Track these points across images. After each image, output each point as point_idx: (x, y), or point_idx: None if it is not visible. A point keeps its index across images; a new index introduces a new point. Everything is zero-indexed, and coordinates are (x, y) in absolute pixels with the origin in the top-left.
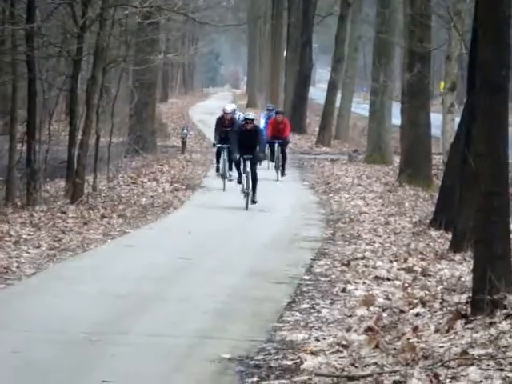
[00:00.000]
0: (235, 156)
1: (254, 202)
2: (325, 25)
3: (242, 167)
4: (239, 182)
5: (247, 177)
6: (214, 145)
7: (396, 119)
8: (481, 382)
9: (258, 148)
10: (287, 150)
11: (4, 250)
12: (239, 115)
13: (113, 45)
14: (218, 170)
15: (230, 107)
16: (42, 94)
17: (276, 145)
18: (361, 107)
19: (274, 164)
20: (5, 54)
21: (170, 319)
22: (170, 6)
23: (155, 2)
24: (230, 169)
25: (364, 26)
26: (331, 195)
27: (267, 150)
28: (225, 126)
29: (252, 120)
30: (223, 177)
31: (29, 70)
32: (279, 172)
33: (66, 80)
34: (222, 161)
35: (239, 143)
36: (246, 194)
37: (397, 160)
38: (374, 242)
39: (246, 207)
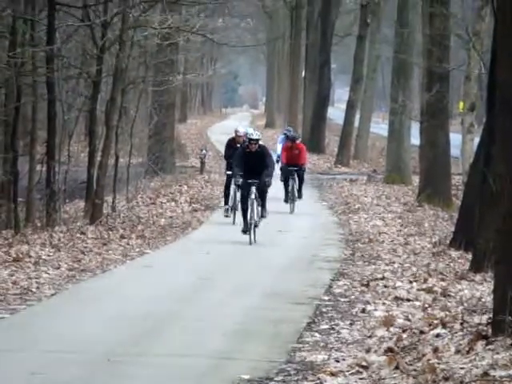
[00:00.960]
0: (237, 180)
1: (263, 216)
2: (343, 45)
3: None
4: (244, 231)
5: (251, 205)
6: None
7: (415, 139)
8: None
9: (266, 172)
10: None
11: (24, 271)
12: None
13: (132, 66)
14: (226, 210)
15: (242, 129)
16: (61, 115)
17: (293, 174)
18: (379, 127)
19: (289, 197)
20: (25, 76)
21: (188, 340)
22: (188, 27)
23: (174, 23)
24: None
25: (383, 46)
26: (350, 215)
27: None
28: (236, 149)
29: (257, 140)
30: (232, 209)
31: (48, 91)
32: (294, 205)
33: (85, 101)
34: (232, 189)
35: (244, 168)
36: (247, 229)
37: (416, 180)
38: (393, 262)
39: (250, 242)
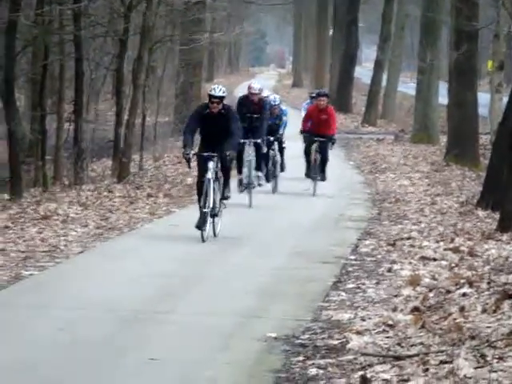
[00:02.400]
0: (187, 153)
1: (224, 197)
2: (371, 3)
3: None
4: (198, 226)
5: (207, 188)
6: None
7: (443, 98)
8: None
9: (229, 142)
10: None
11: (52, 229)
12: (273, 97)
13: (159, 24)
14: (240, 182)
15: (257, 85)
16: (88, 74)
17: (315, 146)
18: (407, 86)
19: (311, 173)
20: (52, 34)
21: (214, 299)
22: None
23: None
24: (259, 169)
25: (411, 5)
26: (377, 175)
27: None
28: (250, 111)
29: (220, 99)
30: (248, 186)
31: (76, 49)
32: (316, 183)
33: (112, 60)
34: (246, 163)
35: (201, 135)
36: (203, 220)
37: (443, 140)
38: (420, 221)
39: (202, 238)
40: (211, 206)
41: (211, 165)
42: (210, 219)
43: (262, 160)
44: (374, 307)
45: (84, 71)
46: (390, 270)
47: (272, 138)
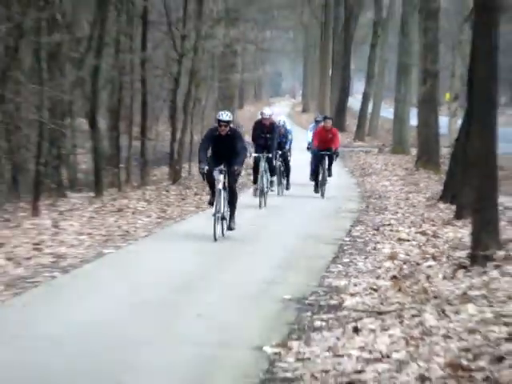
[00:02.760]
0: (202, 168)
1: (230, 228)
2: (360, 51)
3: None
4: (210, 203)
5: (218, 197)
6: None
7: (413, 121)
8: (476, 315)
9: (236, 158)
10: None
11: (125, 219)
12: (281, 121)
13: (203, 67)
14: (255, 190)
15: (269, 111)
16: (151, 104)
17: (324, 159)
18: (387, 111)
19: (319, 181)
20: (125, 75)
21: (246, 270)
22: (245, 39)
23: (234, 35)
24: (272, 175)
25: (389, 52)
26: (365, 178)
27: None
28: (263, 132)
29: (227, 122)
30: (262, 193)
31: (142, 86)
32: (324, 188)
33: (168, 93)
34: (260, 173)
35: (212, 153)
36: (218, 218)
37: (414, 151)
38: (397, 212)
39: (214, 237)
40: (222, 211)
41: (221, 177)
42: (220, 222)
43: (274, 171)
44: (362, 276)
45: (148, 102)
46: (374, 249)
47: (280, 152)
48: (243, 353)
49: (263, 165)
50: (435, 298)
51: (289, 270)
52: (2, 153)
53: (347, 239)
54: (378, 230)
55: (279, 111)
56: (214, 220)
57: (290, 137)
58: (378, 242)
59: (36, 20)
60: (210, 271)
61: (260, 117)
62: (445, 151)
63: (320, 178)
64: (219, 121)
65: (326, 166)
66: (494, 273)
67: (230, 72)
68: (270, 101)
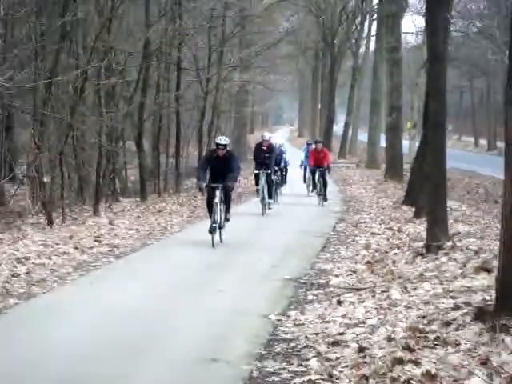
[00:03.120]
0: (201, 184)
1: (226, 219)
2: (342, 90)
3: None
4: (210, 231)
5: (216, 209)
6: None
7: (382, 143)
8: (430, 290)
9: (230, 176)
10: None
11: (163, 218)
12: (277, 143)
13: (223, 102)
14: (258, 191)
15: (268, 134)
16: (183, 131)
17: (317, 173)
18: (363, 136)
19: (316, 191)
20: (163, 109)
21: (254, 257)
22: (254, 81)
23: (246, 78)
24: (270, 197)
25: (364, 91)
26: (346, 186)
27: (308, 176)
28: (263, 151)
29: (224, 146)
30: (262, 202)
31: (176, 117)
32: (322, 198)
33: (196, 123)
34: (260, 186)
35: (210, 171)
36: (213, 230)
37: (383, 166)
38: (370, 213)
39: (213, 244)
40: (218, 221)
41: (218, 193)
42: (218, 230)
43: (272, 185)
44: (344, 261)
45: (180, 129)
46: (353, 240)
47: (276, 168)
48: (254, 319)
49: (263, 179)
50: (399, 277)
51: (289, 256)
52: (72, 168)
53: (333, 233)
54: (356, 226)
55: (281, 135)
56: (213, 228)
57: (284, 156)
58: (356, 236)
59: (97, 68)
60: (230, 258)
61: (261, 139)
62: (406, 166)
63: (317, 189)
64: (218, 144)
65: (319, 178)
66: (444, 259)
67: (243, 106)
68: (274, 128)
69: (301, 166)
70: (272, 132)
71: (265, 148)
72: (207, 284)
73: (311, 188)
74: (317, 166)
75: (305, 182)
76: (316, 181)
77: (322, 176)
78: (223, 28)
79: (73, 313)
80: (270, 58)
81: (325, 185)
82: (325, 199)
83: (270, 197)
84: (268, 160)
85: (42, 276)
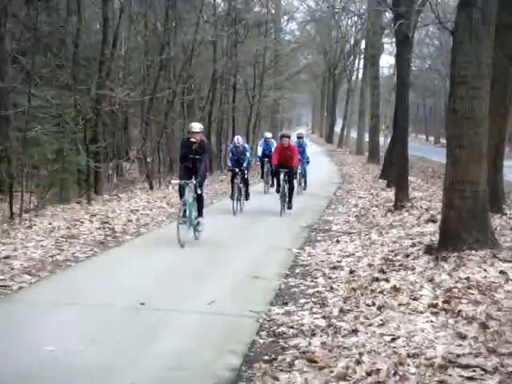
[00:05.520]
0: (175, 178)
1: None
2: (340, 103)
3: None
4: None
5: (185, 203)
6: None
7: (366, 138)
8: (397, 234)
9: (199, 173)
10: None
11: (228, 185)
12: (236, 139)
13: (263, 111)
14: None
15: (269, 134)
16: (236, 130)
17: (282, 175)
18: (354, 134)
19: (280, 195)
20: (224, 115)
21: (272, 209)
22: (283, 97)
23: (279, 95)
24: (273, 184)
25: (355, 104)
26: (341, 167)
27: (270, 181)
28: (234, 153)
29: (198, 134)
30: (266, 182)
31: (232, 121)
32: (285, 205)
33: (245, 124)
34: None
35: (184, 164)
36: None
37: (367, 154)
38: (358, 183)
39: (180, 244)
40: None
41: (187, 191)
42: (187, 227)
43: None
44: (341, 215)
45: (235, 128)
46: (347, 201)
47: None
48: (282, 252)
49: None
50: (376, 225)
51: (304, 212)
52: (165, 152)
53: (333, 196)
54: (348, 192)
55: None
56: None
57: (247, 154)
58: (349, 198)
59: (182, 88)
60: (253, 222)
61: (235, 142)
62: (381, 154)
63: (281, 194)
64: (190, 132)
65: (284, 181)
66: (405, 214)
67: (275, 113)
68: (296, 127)
69: (259, 160)
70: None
71: (239, 150)
72: (221, 264)
73: (270, 184)
74: (281, 166)
75: (262, 177)
76: (281, 184)
77: (289, 179)
78: (263, 62)
79: (168, 243)
80: (293, 82)
81: (291, 189)
82: (289, 206)
83: (246, 197)
84: (241, 160)
85: (146, 221)
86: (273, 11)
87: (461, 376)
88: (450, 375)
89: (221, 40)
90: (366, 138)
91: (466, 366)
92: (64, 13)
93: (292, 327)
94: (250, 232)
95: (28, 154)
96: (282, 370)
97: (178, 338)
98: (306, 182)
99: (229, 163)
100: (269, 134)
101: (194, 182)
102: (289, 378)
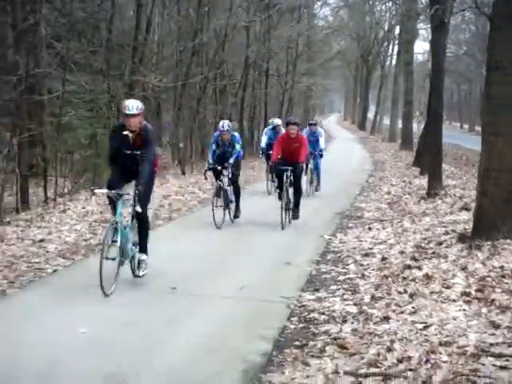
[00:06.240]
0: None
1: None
2: (373, 90)
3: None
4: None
5: (115, 227)
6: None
7: (399, 125)
8: (430, 221)
9: (140, 174)
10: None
11: (255, 171)
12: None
13: (296, 97)
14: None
15: (278, 121)
16: (268, 114)
17: (285, 175)
18: (387, 120)
19: (282, 202)
20: (256, 101)
21: (314, 203)
22: (316, 84)
23: (311, 82)
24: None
25: (388, 91)
26: (373, 153)
27: (272, 184)
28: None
29: (134, 115)
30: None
31: (265, 106)
32: (289, 213)
33: (278, 109)
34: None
35: (118, 160)
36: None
37: (399, 141)
38: (390, 171)
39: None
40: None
41: (120, 204)
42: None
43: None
44: (373, 201)
45: (267, 113)
46: (379, 188)
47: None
48: (314, 238)
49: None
50: (409, 213)
51: (336, 199)
52: (197, 138)
53: (365, 184)
54: (381, 179)
55: (333, 119)
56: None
57: (237, 146)
58: (381, 185)
59: (214, 74)
60: (244, 241)
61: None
62: (415, 141)
63: (283, 200)
64: (126, 114)
65: (287, 182)
66: (439, 201)
67: (308, 99)
68: (328, 114)
69: (263, 153)
70: (327, 117)
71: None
72: (244, 252)
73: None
74: (284, 162)
75: (281, 192)
76: (283, 187)
77: (295, 180)
78: (296, 48)
79: (200, 228)
80: (326, 69)
81: (297, 193)
82: (294, 215)
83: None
84: (229, 155)
85: (178, 207)
86: None
87: (494, 365)
88: (483, 364)
89: (254, 25)
90: (399, 124)
91: (499, 356)
92: None
93: (323, 313)
94: (233, 263)
95: (62, 139)
96: (312, 356)
97: (210, 322)
98: (319, 181)
99: (209, 158)
100: (278, 121)
101: (132, 193)
102: (319, 364)
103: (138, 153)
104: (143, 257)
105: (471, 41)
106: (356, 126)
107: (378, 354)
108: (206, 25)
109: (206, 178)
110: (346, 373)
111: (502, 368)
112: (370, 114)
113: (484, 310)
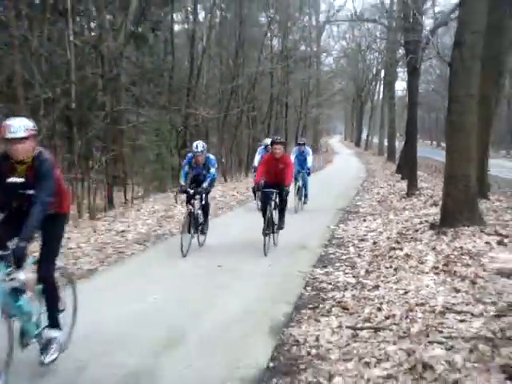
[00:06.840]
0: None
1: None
2: (365, 117)
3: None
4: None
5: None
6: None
7: (385, 143)
8: (408, 215)
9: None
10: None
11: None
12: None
13: (308, 122)
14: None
15: (268, 140)
16: (288, 136)
17: (270, 198)
18: (376, 140)
19: (263, 226)
20: (278, 125)
21: (320, 203)
22: (323, 112)
23: (319, 111)
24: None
25: (377, 118)
26: (367, 165)
27: (258, 203)
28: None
29: (24, 140)
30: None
31: (285, 130)
32: (270, 239)
33: (294, 132)
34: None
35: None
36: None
37: (385, 155)
38: (379, 177)
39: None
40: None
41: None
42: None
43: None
44: (367, 200)
45: (287, 134)
46: (371, 191)
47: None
48: (323, 228)
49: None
50: (393, 208)
51: (339, 199)
52: (235, 156)
53: (361, 187)
54: (372, 183)
55: (335, 139)
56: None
57: (212, 170)
58: (372, 188)
59: (247, 107)
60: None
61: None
62: (397, 155)
63: (264, 225)
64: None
65: (271, 206)
66: (415, 200)
67: (317, 124)
68: (333, 135)
69: (255, 171)
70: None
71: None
72: (300, 220)
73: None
74: (268, 185)
75: (266, 226)
76: (267, 210)
77: (281, 202)
78: (308, 87)
79: (237, 219)
80: (330, 102)
81: (282, 213)
82: (280, 226)
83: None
84: (203, 178)
85: (221, 206)
86: (315, 49)
87: (455, 319)
88: (447, 318)
89: (276, 71)
90: (386, 142)
91: (459, 312)
92: (162, 54)
93: (330, 283)
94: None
95: (136, 157)
96: (322, 315)
97: (246, 291)
98: (306, 196)
99: (181, 180)
100: (269, 140)
101: (13, 247)
102: (328, 321)
103: (29, 193)
104: (57, 334)
105: (437, 80)
106: (354, 144)
107: (371, 313)
108: (241, 71)
109: (176, 201)
110: (347, 327)
111: (462, 321)
112: (364, 135)
113: (448, 279)
